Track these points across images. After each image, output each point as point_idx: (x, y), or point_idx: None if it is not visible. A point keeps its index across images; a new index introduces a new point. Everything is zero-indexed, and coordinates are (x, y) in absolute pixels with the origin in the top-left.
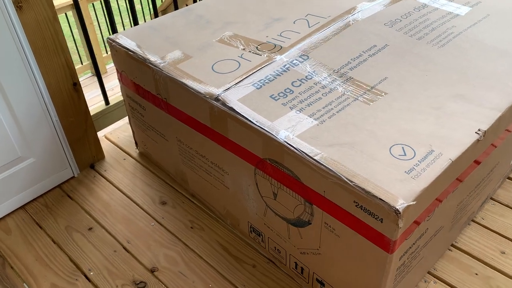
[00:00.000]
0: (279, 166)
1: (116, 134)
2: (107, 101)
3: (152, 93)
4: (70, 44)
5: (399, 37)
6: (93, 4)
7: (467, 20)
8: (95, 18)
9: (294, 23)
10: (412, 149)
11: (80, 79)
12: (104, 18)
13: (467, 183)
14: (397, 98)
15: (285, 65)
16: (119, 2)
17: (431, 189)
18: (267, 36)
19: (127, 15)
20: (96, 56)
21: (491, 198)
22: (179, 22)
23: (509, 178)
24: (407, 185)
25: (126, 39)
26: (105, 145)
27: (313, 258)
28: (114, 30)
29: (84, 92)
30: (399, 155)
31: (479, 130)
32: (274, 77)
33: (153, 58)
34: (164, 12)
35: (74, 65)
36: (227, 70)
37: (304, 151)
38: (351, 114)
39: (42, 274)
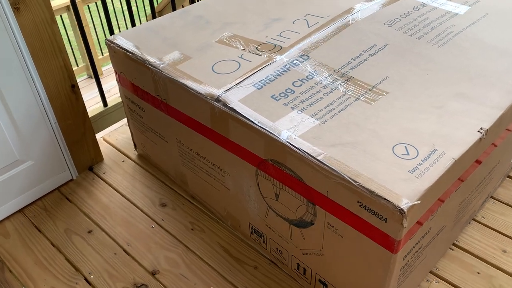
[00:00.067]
0: (281, 166)
1: (114, 136)
2: (105, 103)
3: (152, 94)
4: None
5: (399, 37)
6: (88, 6)
7: (466, 19)
8: (90, 20)
9: (293, 23)
10: (415, 148)
11: None
12: (99, 20)
13: (469, 182)
14: (399, 98)
15: (286, 65)
16: (114, 4)
17: (435, 188)
18: (266, 36)
19: (123, 17)
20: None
21: (492, 197)
22: (177, 23)
23: (509, 176)
24: (411, 184)
25: (124, 40)
26: (103, 147)
27: (315, 258)
28: (111, 31)
29: None
30: (402, 154)
31: (481, 128)
32: (275, 77)
33: (152, 59)
34: (160, 13)
35: (72, 67)
36: (227, 71)
37: (306, 151)
38: (353, 113)
39: (41, 278)
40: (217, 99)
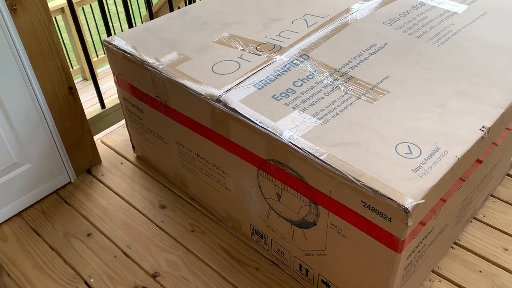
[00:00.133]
0: (283, 167)
1: (112, 138)
2: (103, 105)
3: (151, 95)
4: None
5: (398, 36)
6: (82, 8)
7: (464, 18)
8: (85, 22)
9: (292, 23)
10: (418, 147)
11: None
12: (94, 22)
13: (471, 181)
14: (400, 97)
15: (286, 65)
16: (108, 7)
17: (439, 187)
18: (266, 37)
19: (117, 19)
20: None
21: (492, 195)
22: (175, 23)
23: (508, 175)
24: (415, 183)
25: (122, 41)
26: (101, 149)
27: (318, 259)
28: (109, 32)
29: None
30: (405, 153)
31: (483, 127)
32: (275, 77)
33: (151, 60)
34: (156, 15)
35: (69, 69)
36: (227, 71)
37: (309, 151)
38: (355, 113)
39: (41, 282)
40: (218, 100)
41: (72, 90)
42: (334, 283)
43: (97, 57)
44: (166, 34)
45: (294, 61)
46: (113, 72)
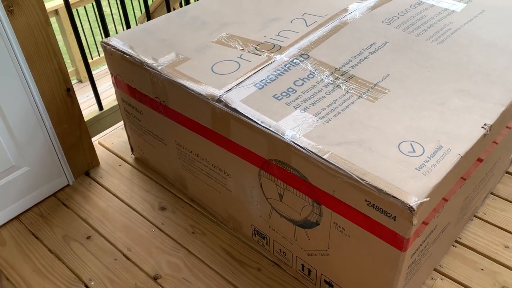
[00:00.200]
0: (285, 166)
1: (110, 140)
2: (100, 107)
3: (150, 96)
4: None
5: (398, 34)
6: (77, 10)
7: (463, 16)
8: (79, 24)
9: (291, 22)
10: (421, 146)
11: None
12: (88, 24)
13: (472, 179)
14: (401, 95)
15: (286, 64)
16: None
17: (442, 185)
18: (265, 36)
19: (111, 20)
20: (80, 63)
21: (491, 193)
22: (174, 24)
23: (507, 172)
24: (418, 181)
25: (120, 42)
26: (99, 151)
27: (321, 259)
28: (106, 34)
29: None
30: (408, 151)
31: (485, 124)
32: (276, 77)
33: (150, 60)
34: (151, 16)
35: (67, 70)
36: (227, 71)
37: (312, 150)
38: (356, 112)
39: (40, 286)
40: (218, 100)
41: (69, 92)
42: (337, 283)
43: (92, 59)
44: (165, 34)
45: (294, 61)
46: (111, 73)
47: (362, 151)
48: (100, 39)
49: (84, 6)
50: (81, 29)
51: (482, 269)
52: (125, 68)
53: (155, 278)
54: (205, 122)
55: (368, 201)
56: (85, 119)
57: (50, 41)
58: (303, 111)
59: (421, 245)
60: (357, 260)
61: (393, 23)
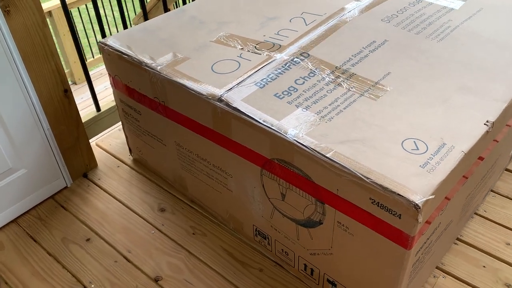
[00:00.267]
0: (288, 166)
1: (108, 141)
2: (98, 108)
3: (149, 96)
4: None
5: (397, 32)
6: (70, 11)
7: (461, 13)
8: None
9: (290, 21)
10: (424, 143)
11: None
12: (82, 25)
13: (474, 176)
14: (403, 93)
15: (286, 63)
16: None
17: (447, 182)
18: (264, 35)
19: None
20: (75, 64)
21: (491, 190)
22: (172, 24)
23: (507, 169)
24: (423, 179)
25: (118, 42)
26: (96, 153)
27: (324, 258)
28: (103, 34)
29: None
30: (412, 149)
31: (487, 121)
32: (277, 75)
33: (148, 60)
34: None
35: (64, 71)
36: (227, 70)
37: (315, 149)
38: (359, 110)
39: None
40: (219, 99)
41: (67, 93)
42: (341, 282)
43: (86, 60)
44: (163, 34)
45: (295, 59)
46: (109, 74)
47: (365, 149)
48: (94, 41)
49: (78, 8)
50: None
51: (484, 266)
52: (123, 68)
53: (156, 280)
54: (205, 122)
55: (372, 199)
56: (83, 121)
57: (47, 41)
58: (305, 110)
59: (425, 243)
60: (361, 259)
61: (392, 21)
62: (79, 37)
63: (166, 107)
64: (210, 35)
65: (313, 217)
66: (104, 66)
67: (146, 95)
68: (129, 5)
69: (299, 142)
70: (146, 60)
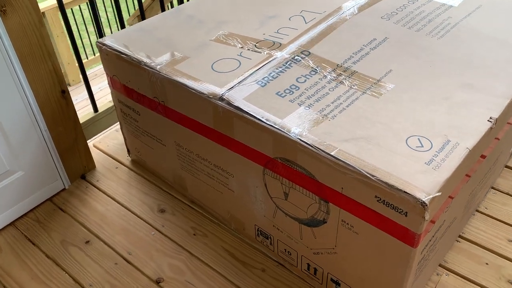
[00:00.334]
0: (291, 164)
1: (105, 142)
2: (95, 109)
3: (148, 96)
4: None
5: (397, 30)
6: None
7: (461, 11)
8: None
9: (289, 19)
10: (429, 140)
11: None
12: (75, 26)
13: (477, 173)
14: (406, 90)
15: (287, 61)
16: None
17: (453, 179)
18: (264, 34)
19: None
20: (69, 66)
21: (492, 187)
22: (169, 23)
23: (507, 166)
24: (429, 176)
25: (116, 42)
26: (94, 154)
27: (328, 257)
28: (100, 34)
29: None
30: (417, 146)
31: (490, 118)
32: (278, 74)
33: (147, 59)
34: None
35: (62, 72)
36: (227, 69)
37: (319, 147)
38: (362, 107)
39: None
40: (221, 98)
41: (64, 94)
42: (345, 282)
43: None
44: (161, 33)
45: (296, 58)
46: (107, 74)
47: (370, 147)
48: (88, 42)
49: (72, 9)
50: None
51: (486, 264)
52: (122, 68)
53: (157, 282)
54: (206, 122)
55: (378, 197)
56: (80, 121)
57: (44, 41)
58: (308, 108)
59: (430, 240)
60: (366, 258)
61: (392, 18)
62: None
63: (165, 106)
64: (209, 34)
65: (316, 216)
66: (98, 68)
67: (145, 95)
68: (123, 5)
69: (302, 141)
70: (145, 59)
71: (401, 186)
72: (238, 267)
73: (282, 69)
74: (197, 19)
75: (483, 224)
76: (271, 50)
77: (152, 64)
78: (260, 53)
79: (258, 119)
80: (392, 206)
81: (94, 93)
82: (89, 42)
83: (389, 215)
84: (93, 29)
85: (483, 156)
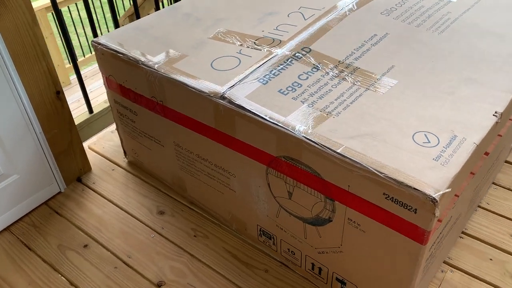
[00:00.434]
0: (295, 163)
1: (101, 144)
2: (90, 110)
3: (146, 96)
4: None
5: (397, 25)
6: (52, 13)
7: (460, 5)
8: (56, 28)
9: (288, 16)
10: (435, 136)
11: None
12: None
13: (482, 168)
14: (409, 86)
15: (288, 58)
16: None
17: (461, 174)
18: (263, 31)
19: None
20: (58, 68)
21: (493, 183)
22: (166, 21)
23: (507, 161)
24: (438, 172)
25: (112, 41)
26: (90, 156)
27: (333, 257)
28: (95, 34)
29: None
30: (423, 142)
31: (496, 112)
32: (279, 71)
33: (145, 58)
34: (132, 17)
35: (56, 72)
36: (227, 67)
37: (325, 145)
38: (366, 104)
39: None
40: (222, 97)
41: (59, 95)
42: (351, 281)
43: (70, 64)
44: (158, 32)
45: (296, 54)
46: (102, 74)
47: (376, 144)
48: (77, 44)
49: (60, 10)
50: (57, 32)
51: (490, 259)
52: (118, 67)
53: (159, 285)
54: (207, 121)
55: (386, 195)
56: (76, 123)
57: (38, 41)
58: (311, 105)
59: (437, 237)
60: (373, 256)
61: (392, 14)
62: (61, 39)
63: (164, 106)
64: (207, 32)
65: (322, 215)
66: (88, 69)
67: (143, 95)
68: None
69: (308, 138)
70: (142, 58)
71: (411, 183)
72: (240, 268)
73: (283, 66)
74: (194, 17)
75: (485, 220)
76: (271, 47)
77: (150, 63)
78: (260, 50)
79: (261, 117)
80: (401, 203)
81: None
82: (78, 44)
83: (397, 212)
84: (81, 31)
85: (486, 153)
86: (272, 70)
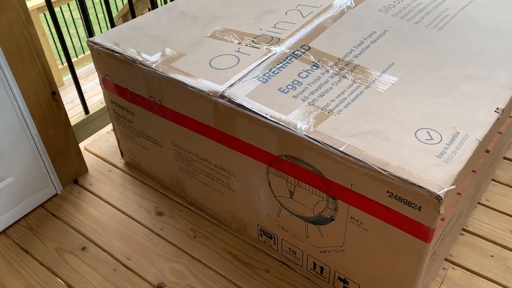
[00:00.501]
0: (297, 162)
1: (97, 145)
2: (86, 110)
3: (143, 96)
4: None
5: (396, 22)
6: (44, 14)
7: (458, 2)
8: (48, 29)
9: (286, 14)
10: (438, 133)
11: None
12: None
13: (484, 164)
14: (410, 83)
15: (287, 56)
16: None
17: (465, 171)
18: (261, 29)
19: (80, 24)
20: (51, 69)
21: (492, 179)
22: (161, 20)
23: (505, 158)
24: (442, 169)
25: (108, 40)
26: (86, 157)
27: (335, 256)
28: (90, 33)
29: None
30: (426, 139)
31: (497, 108)
32: (279, 69)
33: (142, 58)
34: (125, 17)
35: (51, 72)
36: (226, 66)
37: (327, 143)
38: (367, 102)
39: None
40: (221, 96)
41: (55, 96)
42: (353, 280)
43: (62, 65)
44: (155, 31)
45: (296, 52)
46: (99, 74)
47: (378, 141)
48: (70, 44)
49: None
50: (49, 33)
51: (491, 256)
52: (115, 67)
53: (159, 287)
54: (206, 120)
55: (390, 193)
56: (72, 124)
57: (33, 41)
58: (312, 104)
59: (441, 235)
60: (376, 255)
61: (390, 11)
62: (54, 40)
63: (162, 106)
64: (204, 31)
65: (324, 214)
66: (81, 70)
67: (140, 95)
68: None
69: (309, 137)
70: (140, 57)
71: (415, 180)
72: (241, 269)
73: (283, 65)
74: (191, 15)
75: (485, 216)
76: (270, 45)
77: (147, 62)
78: (259, 48)
79: (262, 116)
80: (405, 201)
81: (74, 97)
82: (71, 44)
83: (401, 210)
84: (74, 31)
85: (487, 151)
86: (272, 69)
